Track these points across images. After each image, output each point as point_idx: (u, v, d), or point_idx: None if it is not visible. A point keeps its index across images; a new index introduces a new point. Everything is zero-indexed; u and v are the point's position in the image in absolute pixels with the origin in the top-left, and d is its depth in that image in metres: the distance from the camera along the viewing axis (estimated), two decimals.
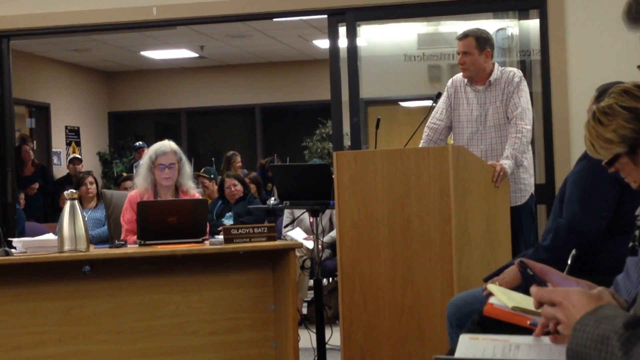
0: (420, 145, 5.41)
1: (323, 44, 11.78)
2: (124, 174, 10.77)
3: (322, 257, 6.08)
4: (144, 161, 5.47)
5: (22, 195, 10.00)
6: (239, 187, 8.73)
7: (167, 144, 5.47)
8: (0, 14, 7.18)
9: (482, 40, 5.32)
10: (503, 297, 2.25)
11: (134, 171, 7.70)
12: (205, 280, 4.81)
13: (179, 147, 5.52)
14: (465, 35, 5.34)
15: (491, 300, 2.29)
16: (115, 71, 15.11)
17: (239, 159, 11.38)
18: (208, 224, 5.18)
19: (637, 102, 2.18)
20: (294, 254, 4.70)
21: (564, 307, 1.72)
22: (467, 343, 2.01)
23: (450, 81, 5.51)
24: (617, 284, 2.29)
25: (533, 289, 1.83)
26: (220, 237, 4.73)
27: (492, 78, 5.32)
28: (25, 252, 4.48)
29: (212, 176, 10.30)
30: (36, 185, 10.77)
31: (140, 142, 12.63)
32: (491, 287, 2.43)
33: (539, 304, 1.79)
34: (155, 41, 12.42)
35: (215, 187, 9.89)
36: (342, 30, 6.87)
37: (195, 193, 5.48)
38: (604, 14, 6.14)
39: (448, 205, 4.45)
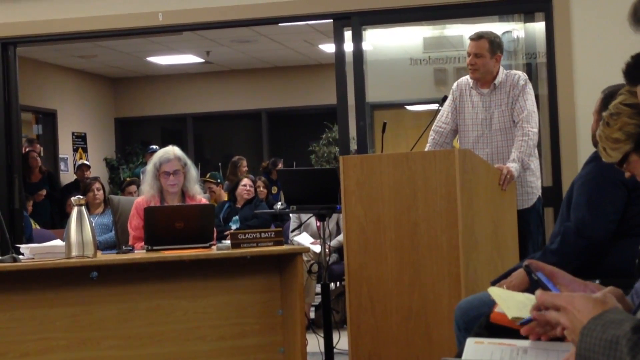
0: (426, 149, 5.41)
1: (329, 48, 11.78)
2: (128, 179, 10.79)
3: (329, 261, 6.07)
4: (149, 169, 5.47)
5: (30, 202, 10.01)
6: (252, 190, 8.83)
7: (171, 151, 5.47)
8: (7, 21, 7.20)
9: (495, 45, 5.31)
10: (503, 304, 2.24)
11: (141, 176, 7.71)
12: (213, 285, 4.81)
13: (183, 152, 5.51)
14: (479, 37, 5.32)
15: (497, 309, 2.28)
16: (121, 77, 15.14)
17: (244, 163, 11.41)
18: (215, 228, 5.18)
19: (637, 98, 2.18)
20: (301, 258, 4.70)
21: (568, 312, 1.71)
22: (473, 347, 2.01)
23: (455, 84, 5.51)
24: (637, 291, 2.27)
25: (537, 292, 1.83)
26: (228, 242, 4.73)
27: (497, 81, 5.31)
28: (33, 258, 4.49)
29: (219, 181, 10.33)
30: (43, 192, 10.79)
31: (155, 146, 12.61)
32: (492, 291, 2.41)
33: (545, 308, 1.78)
34: (161, 47, 12.43)
35: (222, 192, 9.93)
36: (348, 34, 6.87)
37: (202, 198, 5.48)
38: (609, 16, 6.13)
39: (455, 209, 4.44)
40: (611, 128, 2.20)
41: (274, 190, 10.85)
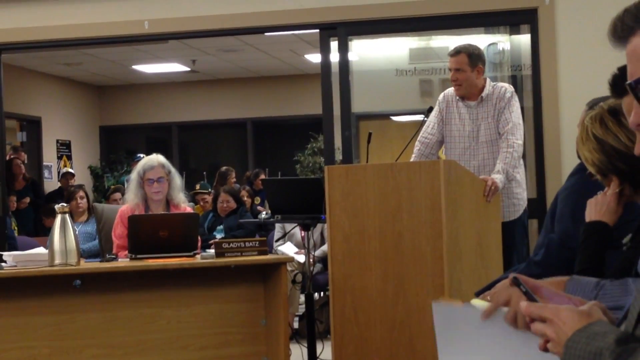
0: (411, 160, 5.41)
1: (315, 58, 11.80)
2: (112, 187, 10.77)
3: (313, 271, 6.07)
4: (133, 177, 5.47)
5: (12, 199, 9.93)
6: (232, 203, 8.76)
7: (155, 158, 5.47)
8: None
9: (474, 57, 5.31)
10: None
11: (125, 184, 7.70)
12: (196, 294, 4.80)
13: (167, 161, 5.52)
14: (457, 52, 5.33)
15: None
16: (106, 85, 15.11)
17: (233, 174, 11.42)
18: (199, 237, 5.18)
19: (605, 133, 2.23)
20: (285, 268, 4.70)
21: (554, 324, 1.71)
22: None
23: (441, 95, 5.51)
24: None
25: (523, 304, 1.82)
26: (212, 251, 4.72)
27: (484, 94, 5.32)
28: (16, 266, 4.47)
29: (210, 190, 10.33)
30: (27, 200, 10.75)
31: (142, 155, 12.57)
32: (475, 302, 2.41)
33: (530, 319, 1.78)
34: (146, 55, 12.42)
35: None
36: (334, 44, 6.87)
37: (186, 207, 5.47)
38: (594, 29, 6.16)
39: (439, 220, 4.45)
40: (583, 144, 2.27)
41: (257, 200, 10.84)
